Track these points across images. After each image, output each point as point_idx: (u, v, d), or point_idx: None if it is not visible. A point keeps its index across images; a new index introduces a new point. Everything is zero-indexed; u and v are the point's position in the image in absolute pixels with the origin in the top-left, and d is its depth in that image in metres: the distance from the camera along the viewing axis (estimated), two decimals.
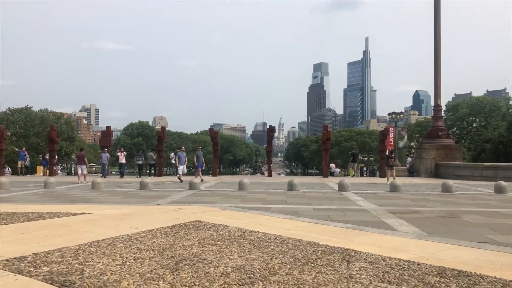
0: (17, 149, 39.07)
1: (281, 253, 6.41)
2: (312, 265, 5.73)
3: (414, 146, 56.91)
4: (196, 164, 25.68)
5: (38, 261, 5.79)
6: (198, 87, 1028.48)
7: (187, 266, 5.57)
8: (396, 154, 37.18)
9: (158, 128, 42.97)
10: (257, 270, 5.41)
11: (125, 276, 5.11)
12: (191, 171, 40.34)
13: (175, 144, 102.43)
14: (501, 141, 46.79)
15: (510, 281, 5.08)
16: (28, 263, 5.68)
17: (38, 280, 4.94)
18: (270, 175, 33.90)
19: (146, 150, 67.97)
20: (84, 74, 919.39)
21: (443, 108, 51.03)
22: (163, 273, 5.23)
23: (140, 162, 32.37)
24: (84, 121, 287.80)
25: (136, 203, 13.78)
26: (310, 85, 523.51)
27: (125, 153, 32.44)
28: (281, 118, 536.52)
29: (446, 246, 7.14)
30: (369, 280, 5.07)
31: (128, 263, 5.71)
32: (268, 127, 35.67)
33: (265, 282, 4.91)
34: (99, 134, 50.07)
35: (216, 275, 5.17)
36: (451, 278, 5.17)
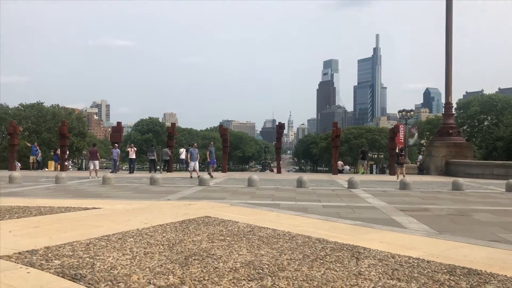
0: (29, 144, 39.47)
1: (290, 249, 6.43)
2: (321, 261, 5.74)
3: (424, 144, 56.54)
4: (209, 160, 25.69)
5: (49, 254, 5.87)
6: (208, 84, 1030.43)
7: (196, 261, 5.61)
8: (406, 152, 36.99)
9: (168, 124, 43.21)
10: (266, 266, 5.43)
11: (135, 270, 5.17)
12: (202, 167, 40.43)
13: (185, 141, 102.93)
14: None
15: None
16: (40, 256, 5.76)
17: (49, 273, 5.01)
18: (279, 171, 33.93)
19: (156, 146, 68.36)
20: (95, 70, 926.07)
21: (454, 105, 50.62)
22: (172, 268, 5.28)
23: (153, 158, 32.61)
24: (95, 117, 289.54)
25: (146, 198, 13.87)
26: (320, 82, 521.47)
27: (135, 149, 32.65)
28: (290, 115, 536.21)
29: (456, 244, 7.11)
30: (378, 277, 5.07)
31: (138, 258, 5.76)
32: (277, 124, 35.66)
33: (274, 278, 4.93)
34: (109, 130, 50.41)
35: (225, 270, 5.20)
36: (461, 276, 5.15)
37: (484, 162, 32.63)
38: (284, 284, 4.71)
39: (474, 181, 24.18)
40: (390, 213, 10.96)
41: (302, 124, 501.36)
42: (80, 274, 4.94)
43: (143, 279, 4.81)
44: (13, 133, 31.69)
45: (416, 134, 54.38)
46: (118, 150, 30.46)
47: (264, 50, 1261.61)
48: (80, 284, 4.62)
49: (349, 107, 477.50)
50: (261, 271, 5.21)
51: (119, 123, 34.59)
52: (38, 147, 35.97)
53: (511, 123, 55.87)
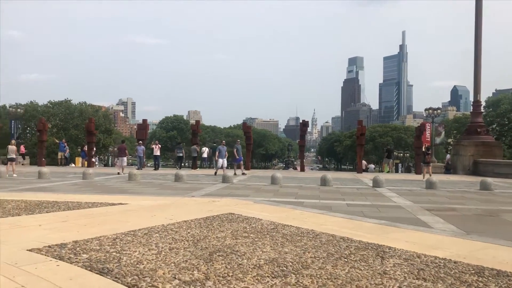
0: (57, 141, 40.35)
1: (314, 247, 6.41)
2: (346, 260, 5.70)
3: (452, 142, 55.42)
4: (237, 157, 25.70)
5: (77, 248, 6.01)
6: (232, 82, 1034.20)
7: (220, 257, 5.65)
8: (432, 151, 36.35)
9: (192, 122, 43.51)
10: (290, 263, 5.43)
11: (160, 265, 5.24)
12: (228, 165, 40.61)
13: (209, 138, 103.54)
14: None
15: None
16: (69, 250, 5.90)
17: (78, 266, 5.13)
18: (302, 170, 33.79)
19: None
20: (121, 68, 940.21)
21: (483, 104, 49.33)
22: (197, 263, 5.33)
23: (181, 155, 33.04)
24: (121, 114, 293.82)
25: (171, 194, 14.04)
26: (344, 79, 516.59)
27: (160, 146, 33.02)
28: (314, 112, 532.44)
29: (484, 245, 6.96)
30: (404, 276, 5.01)
31: (163, 253, 5.85)
32: (301, 121, 35.53)
33: (298, 275, 4.93)
34: (135, 127, 51.04)
35: (249, 267, 5.22)
36: (489, 278, 5.04)
37: None
38: (308, 282, 4.71)
39: (503, 181, 23.58)
40: (415, 213, 10.80)
41: (326, 122, 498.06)
42: (107, 268, 5.05)
43: (169, 274, 4.88)
44: (42, 129, 32.44)
45: (443, 133, 53.41)
46: (143, 147, 30.88)
47: (287, 46, 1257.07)
48: (107, 277, 4.72)
49: (374, 105, 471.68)
50: (285, 268, 5.22)
51: (144, 121, 35.02)
52: (66, 144, 36.70)
53: None
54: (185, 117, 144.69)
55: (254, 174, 26.90)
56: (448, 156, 35.68)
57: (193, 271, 5.00)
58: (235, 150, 25.90)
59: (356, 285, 4.66)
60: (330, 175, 20.34)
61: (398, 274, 5.09)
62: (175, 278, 4.73)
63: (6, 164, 23.53)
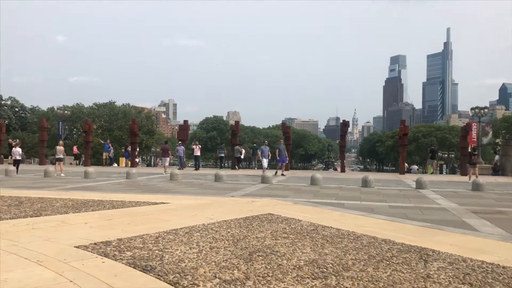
0: (102, 142, 41.70)
1: (355, 249, 6.33)
2: (387, 262, 5.60)
3: (500, 143, 53.25)
4: (279, 158, 25.47)
5: (122, 246, 6.19)
6: (271, 82, 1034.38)
7: (260, 257, 5.67)
8: (479, 151, 35.05)
9: (231, 122, 43.86)
10: (330, 265, 5.38)
11: (201, 264, 5.32)
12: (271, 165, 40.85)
13: (248, 138, 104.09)
14: None
15: None
16: (113, 247, 6.09)
17: (122, 263, 5.29)
18: (343, 170, 33.38)
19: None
20: (162, 70, 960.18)
21: None
22: (237, 263, 5.38)
23: (223, 155, 33.59)
24: (163, 115, 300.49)
25: (211, 194, 14.21)
26: (386, 78, 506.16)
27: (200, 146, 33.49)
28: (355, 112, 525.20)
29: None
30: (448, 281, 4.86)
31: (204, 252, 5.93)
32: (341, 121, 35.12)
33: (338, 277, 4.88)
34: (176, 127, 51.92)
35: (289, 268, 5.22)
36: None
37: None
38: (349, 284, 4.65)
39: None
40: (461, 215, 10.45)
41: (368, 122, 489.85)
42: (150, 265, 5.18)
43: (209, 272, 4.95)
44: (88, 130, 33.60)
45: (491, 133, 51.32)
46: (183, 147, 31.40)
47: (327, 46, 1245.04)
48: (150, 275, 4.84)
49: (417, 104, 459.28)
50: (325, 270, 5.18)
51: (185, 121, 35.66)
52: (110, 144, 37.83)
53: None
54: (224, 118, 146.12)
55: (293, 175, 26.81)
56: (496, 157, 34.28)
57: (233, 271, 5.04)
58: (277, 151, 25.82)
59: None
60: (372, 176, 19.99)
61: (442, 278, 4.94)
62: (216, 277, 4.79)
63: (54, 164, 24.50)
